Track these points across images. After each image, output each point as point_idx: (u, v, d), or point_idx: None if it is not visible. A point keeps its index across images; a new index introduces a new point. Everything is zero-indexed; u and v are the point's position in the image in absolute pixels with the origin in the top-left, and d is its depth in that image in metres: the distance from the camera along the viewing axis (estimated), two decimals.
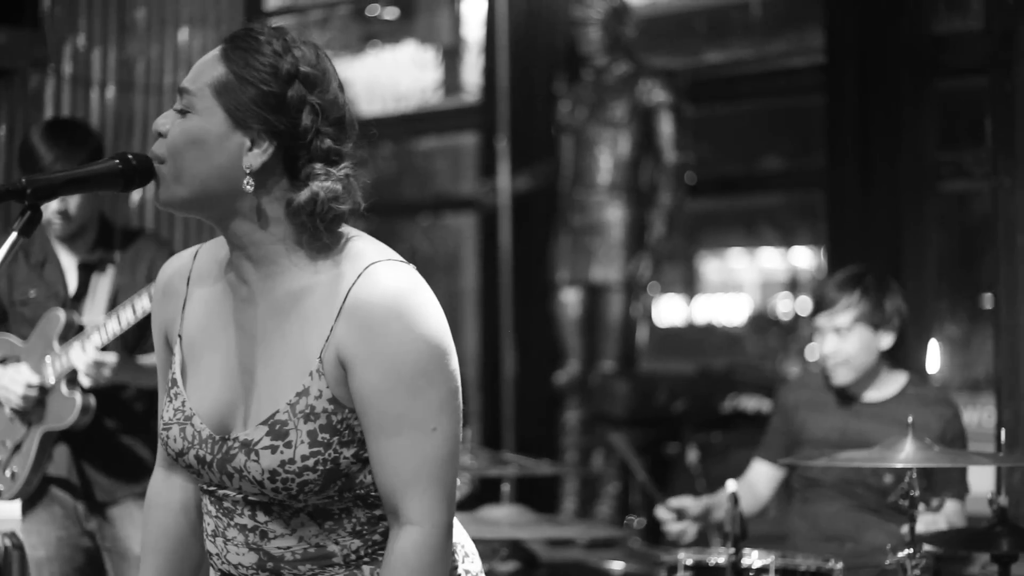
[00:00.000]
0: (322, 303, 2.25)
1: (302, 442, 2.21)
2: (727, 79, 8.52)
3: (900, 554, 3.50)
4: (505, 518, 4.06)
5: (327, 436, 2.23)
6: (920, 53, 6.92)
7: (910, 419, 3.62)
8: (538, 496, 7.09)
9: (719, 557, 3.55)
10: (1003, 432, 3.93)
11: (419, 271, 2.30)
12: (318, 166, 2.26)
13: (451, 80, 10.22)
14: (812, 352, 4.63)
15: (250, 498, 2.28)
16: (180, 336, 2.38)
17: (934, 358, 7.88)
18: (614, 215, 7.30)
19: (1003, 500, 3.93)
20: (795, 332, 9.82)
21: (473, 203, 8.58)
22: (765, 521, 6.55)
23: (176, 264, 2.45)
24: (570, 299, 7.37)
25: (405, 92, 10.34)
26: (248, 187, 2.24)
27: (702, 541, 4.74)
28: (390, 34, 10.64)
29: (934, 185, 7.45)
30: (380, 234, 2.38)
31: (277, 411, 2.24)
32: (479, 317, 8.30)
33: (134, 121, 5.91)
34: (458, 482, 3.91)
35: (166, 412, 2.36)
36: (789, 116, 9.06)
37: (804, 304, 9.89)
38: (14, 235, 2.26)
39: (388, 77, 10.35)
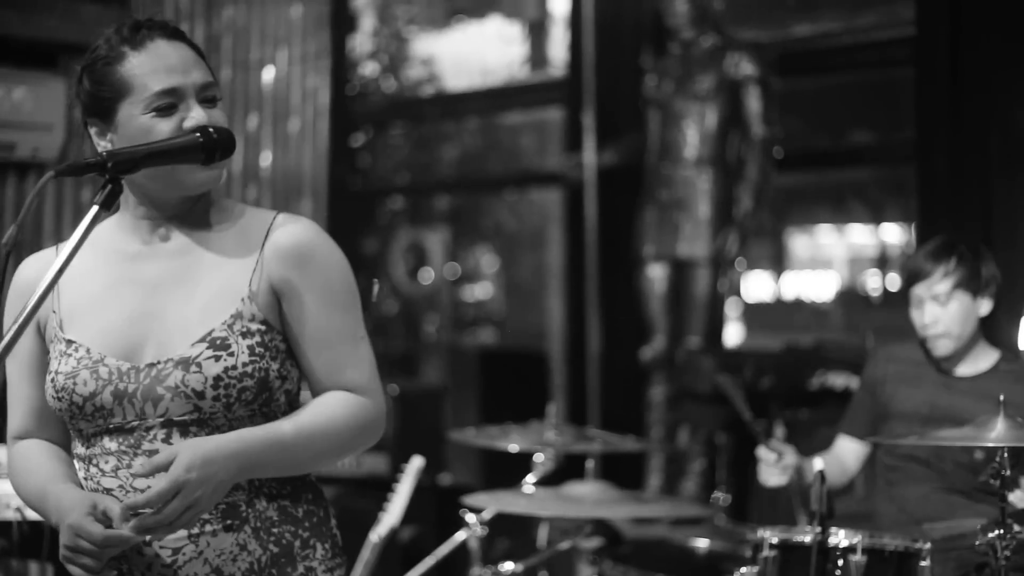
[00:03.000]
0: (240, 246, 2.58)
1: (243, 352, 2.49)
2: (816, 52, 8.41)
3: (991, 535, 3.44)
4: (589, 495, 4.03)
5: (261, 350, 2.51)
6: (1014, 24, 6.80)
7: (1002, 397, 3.56)
8: (623, 473, 7.06)
9: (805, 536, 3.50)
10: None
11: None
12: None
13: (537, 54, 10.18)
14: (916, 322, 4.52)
15: (174, 418, 2.48)
16: (56, 312, 2.59)
17: None
18: (701, 189, 7.24)
19: None
20: (884, 309, 9.72)
21: (559, 178, 8.54)
22: (852, 500, 6.49)
23: (36, 264, 2.65)
24: (656, 274, 7.32)
25: (491, 67, 10.31)
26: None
27: (789, 520, 4.69)
28: (476, 8, 10.61)
29: None
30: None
31: (213, 330, 2.50)
32: (564, 292, 8.26)
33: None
34: (540, 457, 3.88)
35: (62, 367, 2.53)
36: (879, 89, 8.92)
37: (893, 280, 9.77)
38: (95, 208, 2.33)
39: (474, 52, 10.34)
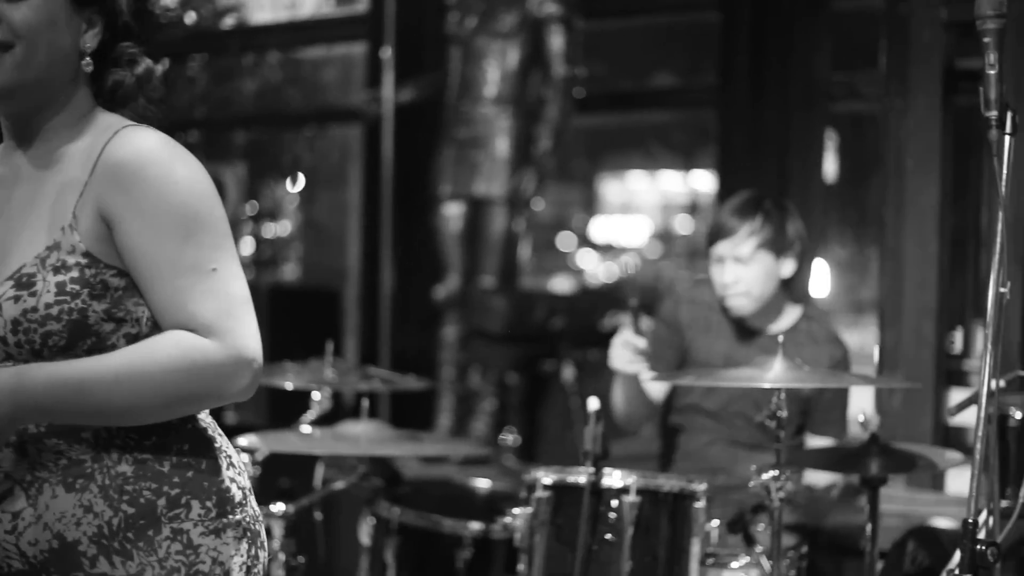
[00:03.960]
0: (78, 167, 2.24)
1: (48, 291, 2.16)
2: None
3: (765, 476, 3.40)
4: (364, 434, 3.91)
5: (76, 288, 2.17)
6: None
7: (780, 337, 3.51)
8: (413, 414, 6.97)
9: (579, 476, 3.42)
10: (876, 351, 3.83)
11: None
12: (133, 49, 2.33)
13: None
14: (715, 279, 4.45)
15: None
16: None
17: (822, 281, 7.84)
18: (500, 128, 7.12)
19: (874, 421, 3.85)
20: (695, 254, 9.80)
21: (358, 114, 8.37)
22: (638, 442, 6.48)
23: None
24: (452, 213, 7.19)
25: (295, 0, 10.10)
26: (87, 68, 2.29)
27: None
28: None
29: (826, 106, 7.38)
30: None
31: (24, 264, 2.19)
32: (360, 230, 8.11)
33: None
34: (317, 396, 3.72)
35: None
36: (682, 33, 8.92)
37: (703, 227, 9.86)
38: None
39: None
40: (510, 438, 6.56)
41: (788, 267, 4.44)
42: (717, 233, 4.41)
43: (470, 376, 7.06)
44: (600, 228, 11.95)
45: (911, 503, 5.97)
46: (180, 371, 2.16)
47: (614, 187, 12.18)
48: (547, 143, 7.09)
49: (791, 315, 4.52)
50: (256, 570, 2.30)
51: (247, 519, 2.30)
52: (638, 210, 11.89)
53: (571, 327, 6.51)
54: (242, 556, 2.26)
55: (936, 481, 6.32)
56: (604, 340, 6.47)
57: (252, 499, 2.34)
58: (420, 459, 6.73)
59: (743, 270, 4.36)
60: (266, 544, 2.34)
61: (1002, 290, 3.04)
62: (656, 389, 4.60)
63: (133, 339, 2.21)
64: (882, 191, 6.60)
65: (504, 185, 7.07)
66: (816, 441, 4.46)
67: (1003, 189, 3.04)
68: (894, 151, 6.44)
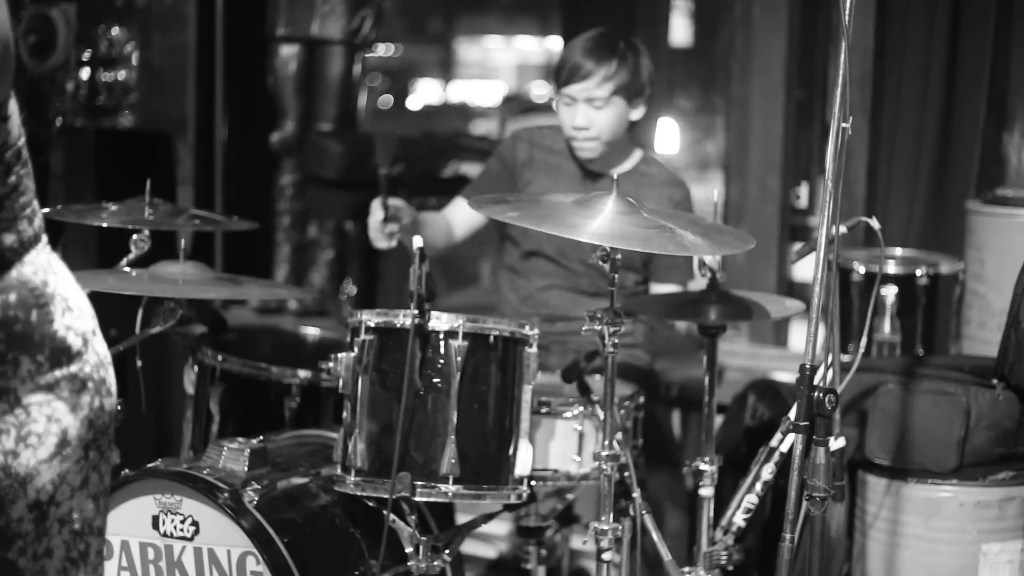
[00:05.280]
0: None
1: None
2: None
3: (597, 321, 3.26)
4: (180, 275, 3.69)
5: None
6: None
7: (615, 174, 3.36)
8: (253, 263, 6.77)
9: (404, 319, 3.25)
10: (717, 203, 3.71)
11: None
12: None
13: None
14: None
15: None
16: None
17: (670, 138, 7.75)
18: None
19: (715, 266, 3.74)
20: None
21: None
22: (479, 291, 6.37)
23: None
24: (287, 55, 6.92)
25: None
26: None
27: None
28: None
29: None
30: None
31: None
32: (195, 74, 7.79)
33: None
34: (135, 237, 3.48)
35: None
36: None
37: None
38: None
39: None
40: (348, 287, 6.38)
41: (639, 111, 4.33)
42: (571, 75, 4.25)
43: (309, 225, 6.86)
44: (456, 90, 11.91)
45: (754, 358, 5.96)
46: None
47: (471, 50, 12.12)
48: None
49: (632, 158, 4.42)
50: (102, 420, 2.07)
51: (87, 368, 2.04)
52: (494, 74, 11.88)
53: (411, 173, 6.32)
54: (83, 410, 2.03)
55: (780, 336, 6.31)
56: (445, 186, 6.32)
57: (96, 343, 2.10)
58: (257, 310, 6.55)
59: (596, 114, 4.25)
60: (114, 389, 2.10)
61: (844, 125, 2.94)
62: (463, 223, 4.53)
63: None
64: (729, 42, 6.50)
65: (342, 26, 6.81)
66: (663, 288, 4.37)
67: (846, 18, 2.93)
68: (741, 0, 6.32)
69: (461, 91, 11.99)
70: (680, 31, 8.39)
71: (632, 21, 7.09)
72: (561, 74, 4.29)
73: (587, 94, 4.23)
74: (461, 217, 4.52)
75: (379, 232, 4.04)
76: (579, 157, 4.35)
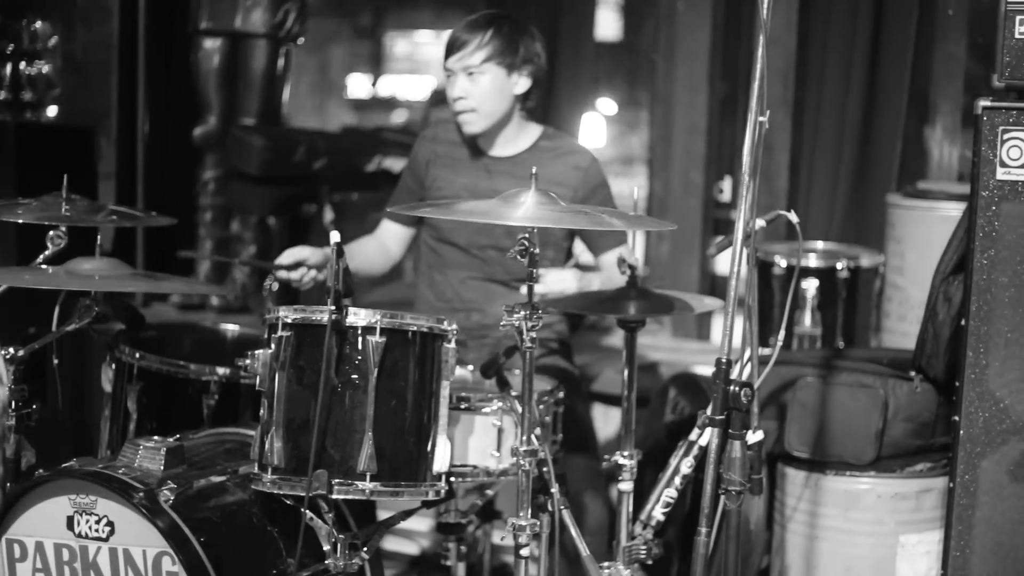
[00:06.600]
0: None
1: None
2: None
3: (515, 316, 3.25)
4: (96, 271, 3.65)
5: None
6: None
7: (534, 169, 3.36)
8: (172, 259, 6.70)
9: (322, 315, 3.23)
10: (636, 199, 3.73)
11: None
12: None
13: None
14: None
15: None
16: None
17: (595, 132, 7.75)
18: None
19: (635, 262, 3.75)
20: None
21: None
22: (400, 286, 6.34)
23: None
24: (210, 48, 6.86)
25: None
26: None
27: None
28: None
29: None
30: None
31: None
32: (118, 67, 7.72)
33: None
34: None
35: None
36: None
37: None
38: None
39: None
40: (270, 283, 6.32)
41: (522, 84, 4.35)
42: (449, 48, 4.35)
43: (232, 221, 6.80)
44: (386, 84, 11.91)
45: (677, 352, 5.98)
46: None
47: (401, 44, 12.12)
48: None
49: (531, 135, 4.44)
50: None
51: None
52: (424, 68, 11.88)
53: (333, 168, 6.28)
54: None
55: (702, 331, 6.33)
56: (367, 181, 6.30)
57: None
58: (178, 307, 6.50)
59: (472, 85, 4.29)
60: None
61: (761, 119, 2.95)
62: (395, 242, 4.58)
63: None
64: (653, 37, 6.52)
65: (266, 20, 6.76)
66: (607, 257, 4.36)
67: (764, 12, 2.93)
68: None
69: (391, 85, 11.98)
70: (606, 25, 8.40)
71: (557, 15, 7.09)
72: (445, 51, 4.36)
73: (462, 64, 4.31)
74: (391, 235, 4.55)
75: (298, 281, 4.07)
76: (464, 132, 4.39)
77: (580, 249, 4.56)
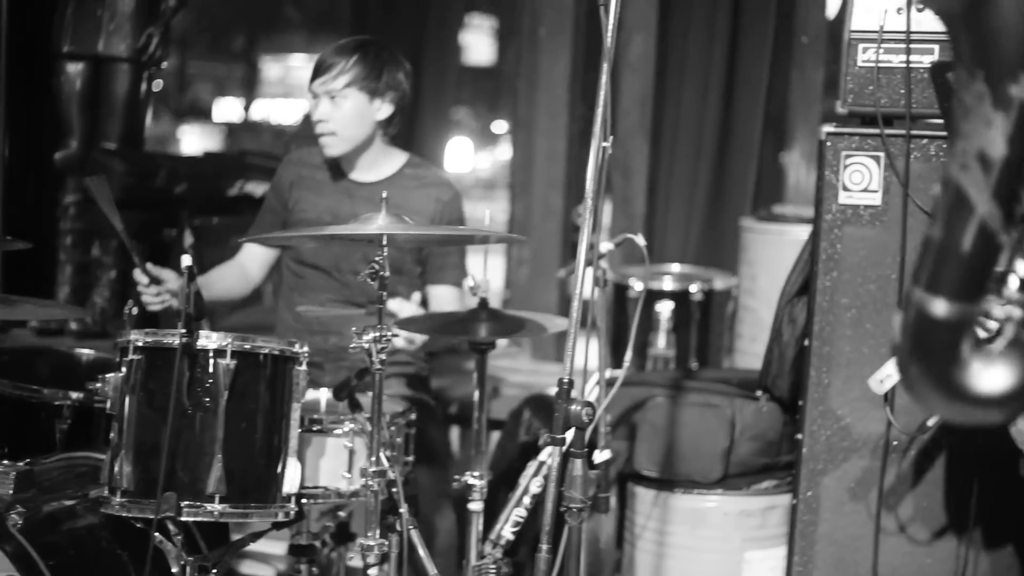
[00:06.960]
0: None
1: None
2: None
3: (365, 338, 3.30)
4: None
5: None
6: None
7: (384, 193, 3.41)
8: (35, 282, 6.64)
9: (173, 338, 3.25)
10: (488, 215, 3.79)
11: None
12: None
13: None
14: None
15: None
16: None
17: (462, 156, 7.81)
18: None
19: (484, 286, 3.81)
20: None
21: None
22: (261, 310, 6.34)
23: None
24: (73, 73, 6.81)
25: None
26: None
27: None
28: None
29: None
30: None
31: None
32: None
33: None
34: None
35: None
36: None
37: None
38: None
39: None
40: (132, 309, 6.29)
41: (384, 111, 4.41)
42: (315, 70, 4.39)
43: (93, 246, 6.75)
44: (259, 108, 11.88)
45: (535, 374, 6.05)
46: None
47: (274, 68, 12.11)
48: (172, 1, 6.79)
49: (395, 162, 4.50)
50: None
51: None
52: (297, 92, 11.88)
53: (194, 192, 6.28)
54: None
55: (561, 352, 6.40)
56: (228, 206, 6.29)
57: None
58: (36, 331, 6.44)
59: (333, 109, 4.35)
60: None
61: (604, 144, 3.02)
62: (256, 265, 4.61)
63: None
64: (516, 62, 6.60)
65: (128, 44, 6.74)
66: (437, 290, 4.43)
67: (608, 40, 3.00)
68: (528, 21, 6.42)
69: (263, 109, 11.96)
70: (471, 51, 8.47)
71: (421, 40, 7.14)
72: (311, 75, 4.41)
73: (325, 87, 4.37)
74: (252, 258, 4.58)
75: (151, 297, 4.05)
76: (325, 155, 4.44)
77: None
